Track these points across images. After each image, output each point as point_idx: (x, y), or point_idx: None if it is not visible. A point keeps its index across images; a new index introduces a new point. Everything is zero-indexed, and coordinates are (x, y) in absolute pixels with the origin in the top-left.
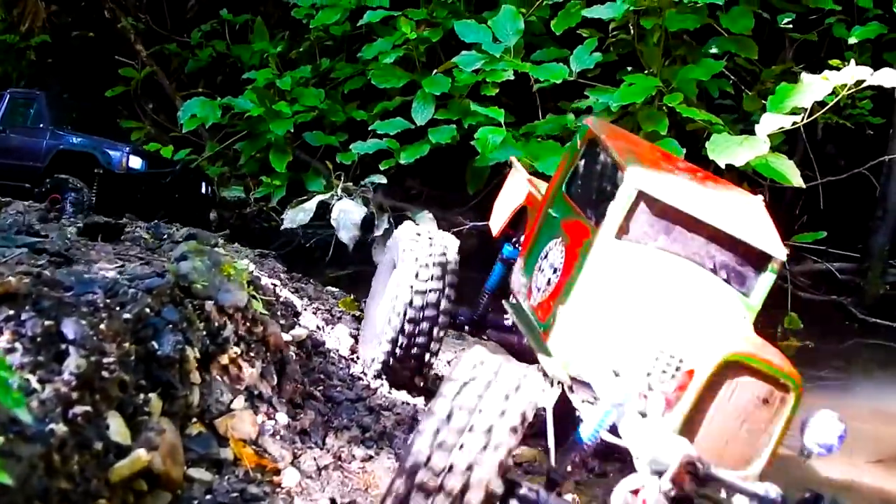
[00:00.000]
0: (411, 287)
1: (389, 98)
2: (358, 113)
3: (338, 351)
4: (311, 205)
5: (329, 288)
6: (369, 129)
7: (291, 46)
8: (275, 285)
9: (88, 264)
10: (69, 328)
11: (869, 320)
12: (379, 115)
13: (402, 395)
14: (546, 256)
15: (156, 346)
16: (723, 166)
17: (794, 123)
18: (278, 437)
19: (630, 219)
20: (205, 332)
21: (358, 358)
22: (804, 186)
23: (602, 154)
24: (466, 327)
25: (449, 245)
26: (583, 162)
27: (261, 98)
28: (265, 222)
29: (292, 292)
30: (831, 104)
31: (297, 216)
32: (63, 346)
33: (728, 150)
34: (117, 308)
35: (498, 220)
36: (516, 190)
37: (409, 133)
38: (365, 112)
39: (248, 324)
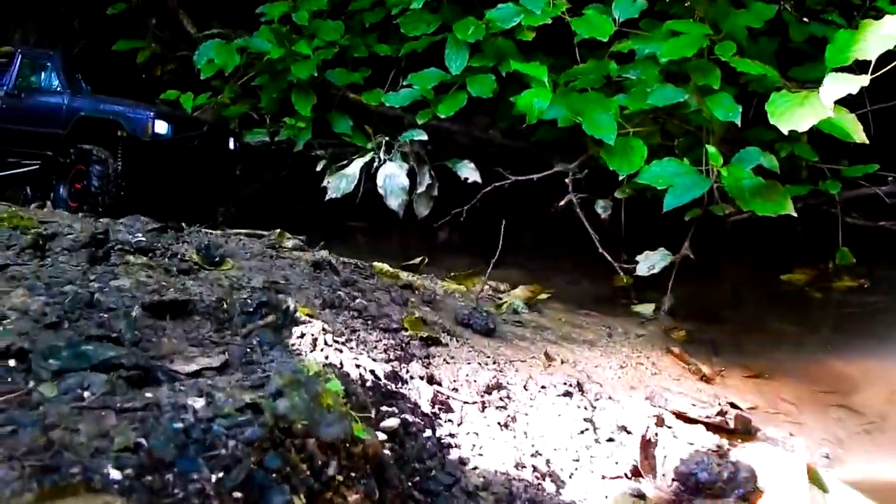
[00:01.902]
0: None
1: (416, 38)
2: (381, 47)
3: (419, 408)
4: (352, 170)
5: (379, 267)
6: (404, 82)
7: None
8: (358, 366)
9: (167, 375)
10: None
11: None
12: (406, 56)
13: (495, 464)
14: None
15: None
16: (786, 133)
17: (861, 87)
18: None
19: None
20: (308, 473)
21: (441, 409)
22: (867, 142)
23: None
24: None
25: None
26: None
27: (279, 38)
28: (283, 144)
29: (355, 317)
30: None
31: (339, 184)
32: None
33: (789, 112)
34: (221, 474)
35: None
36: None
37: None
38: (388, 46)
39: (349, 446)
